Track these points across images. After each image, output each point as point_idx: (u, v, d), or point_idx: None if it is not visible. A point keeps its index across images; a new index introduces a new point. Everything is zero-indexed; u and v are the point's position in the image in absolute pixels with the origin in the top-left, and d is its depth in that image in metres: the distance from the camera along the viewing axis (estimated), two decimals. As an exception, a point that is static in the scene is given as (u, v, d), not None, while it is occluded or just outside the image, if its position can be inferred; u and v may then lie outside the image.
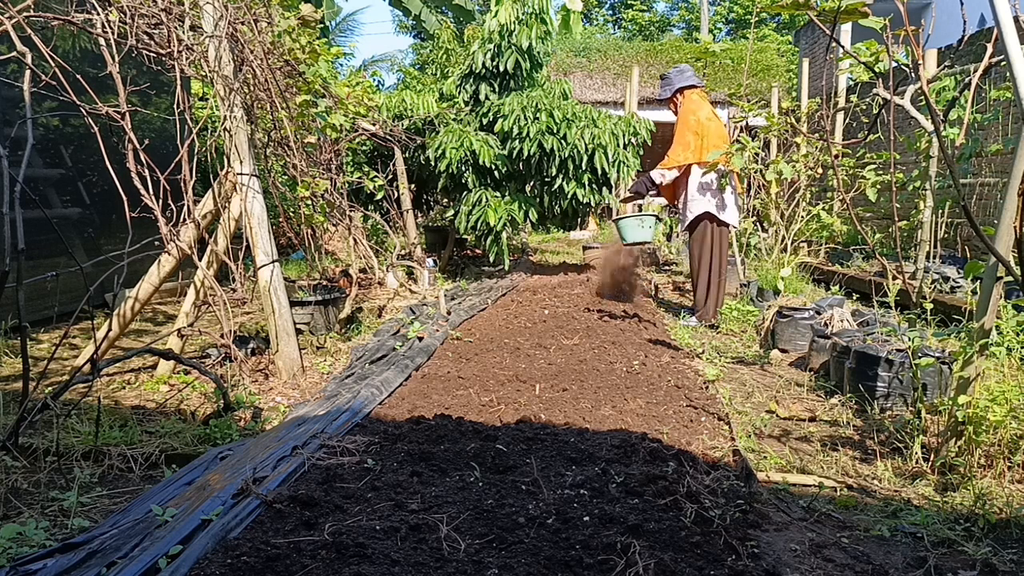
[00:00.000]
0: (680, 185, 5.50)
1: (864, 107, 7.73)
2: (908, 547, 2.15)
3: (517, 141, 6.88)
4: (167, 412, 3.36)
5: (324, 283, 5.48)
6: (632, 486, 2.35)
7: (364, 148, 7.97)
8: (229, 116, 3.85)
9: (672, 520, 2.10)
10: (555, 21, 7.37)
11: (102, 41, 3.26)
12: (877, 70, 2.83)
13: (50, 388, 3.33)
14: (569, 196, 7.19)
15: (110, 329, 3.57)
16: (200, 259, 3.79)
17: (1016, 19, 2.21)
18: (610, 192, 7.55)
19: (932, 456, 2.68)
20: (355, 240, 5.84)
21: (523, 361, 4.18)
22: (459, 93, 7.71)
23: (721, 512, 2.21)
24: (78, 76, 3.12)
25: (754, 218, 7.64)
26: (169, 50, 3.55)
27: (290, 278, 5.71)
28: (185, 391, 3.60)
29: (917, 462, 2.72)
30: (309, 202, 4.82)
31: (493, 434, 2.83)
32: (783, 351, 4.68)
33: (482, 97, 7.46)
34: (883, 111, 6.24)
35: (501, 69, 7.22)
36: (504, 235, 7.16)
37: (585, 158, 6.89)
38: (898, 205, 3.55)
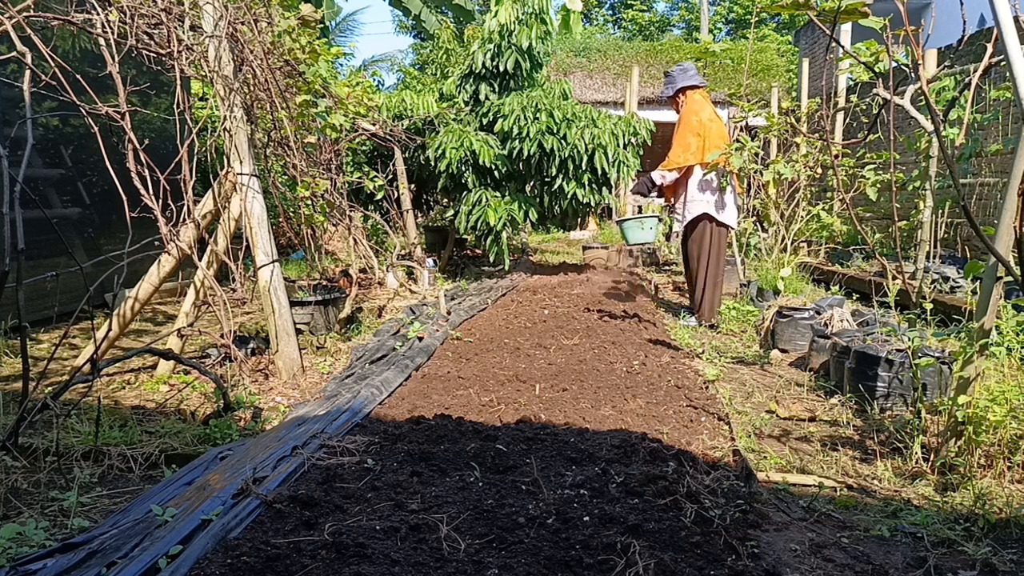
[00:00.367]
0: (680, 185, 5.50)
1: (864, 107, 7.73)
2: (908, 547, 2.15)
3: (517, 141, 6.88)
4: (167, 412, 3.36)
5: (324, 283, 5.48)
6: (632, 486, 2.35)
7: (364, 148, 7.98)
8: (229, 116, 3.85)
9: (672, 520, 2.10)
10: (555, 21, 7.37)
11: (102, 41, 3.26)
12: (877, 70, 2.83)
13: (50, 388, 3.33)
14: (569, 196, 7.19)
15: (110, 329, 3.57)
16: (200, 259, 3.79)
17: (1016, 19, 2.21)
18: (610, 192, 7.56)
19: (932, 456, 2.68)
20: (355, 240, 5.84)
21: (523, 361, 4.18)
22: (459, 93, 7.71)
23: (721, 512, 2.21)
24: (78, 76, 3.12)
25: (754, 218, 7.64)
26: (169, 50, 3.55)
27: (290, 278, 5.71)
28: (185, 391, 3.60)
29: (917, 462, 2.72)
30: (309, 202, 4.82)
31: (493, 434, 2.83)
32: (783, 351, 4.68)
33: (482, 97, 7.46)
34: (883, 111, 6.24)
35: (501, 69, 7.22)
36: (504, 235, 7.16)
37: (585, 158, 6.89)
38: (898, 205, 3.55)
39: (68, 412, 3.06)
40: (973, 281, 4.78)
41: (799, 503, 2.45)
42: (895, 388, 3.34)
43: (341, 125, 5.75)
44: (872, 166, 5.34)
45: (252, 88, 4.23)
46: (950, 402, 2.62)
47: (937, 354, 3.21)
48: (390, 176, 7.26)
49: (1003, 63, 2.20)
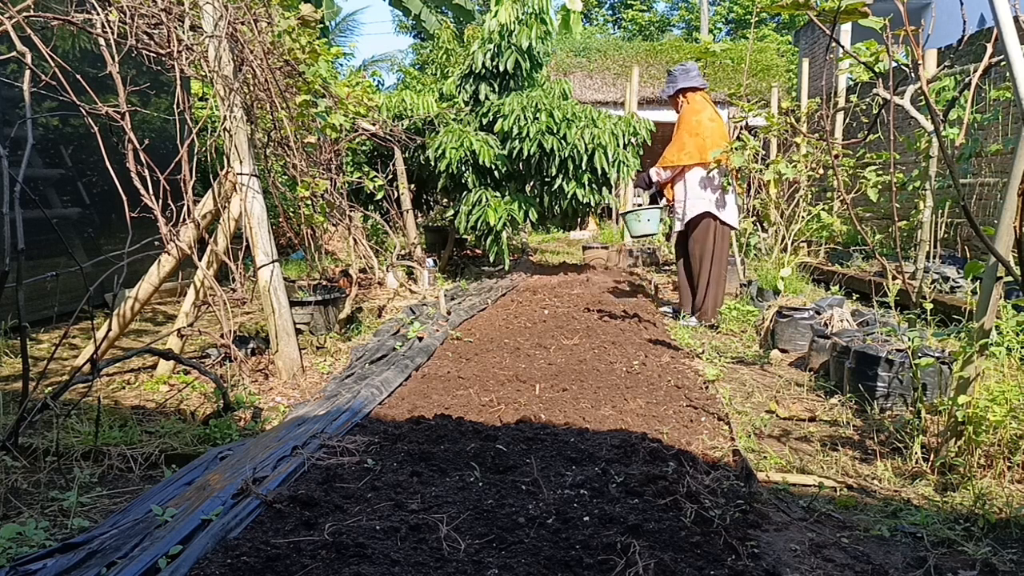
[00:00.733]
0: (678, 185, 5.52)
1: (864, 107, 7.73)
2: (908, 547, 2.15)
3: (517, 141, 6.88)
4: (167, 412, 3.36)
5: (324, 283, 5.48)
6: (632, 486, 2.35)
7: (364, 148, 7.98)
8: (229, 116, 3.85)
9: (672, 520, 2.10)
10: (555, 21, 7.38)
11: (102, 41, 3.26)
12: (877, 70, 2.83)
13: (50, 388, 3.33)
14: (569, 196, 7.20)
15: (110, 329, 3.57)
16: (200, 259, 3.79)
17: (1016, 19, 2.20)
18: (610, 192, 7.56)
19: (932, 456, 2.68)
20: (355, 240, 5.84)
21: (523, 361, 4.18)
22: (459, 93, 7.71)
23: (721, 512, 2.21)
24: (78, 76, 3.12)
25: (754, 218, 7.64)
26: (169, 50, 3.55)
27: (290, 278, 5.71)
28: (185, 391, 3.60)
29: (917, 462, 2.72)
30: (309, 202, 4.82)
31: (493, 434, 2.83)
32: (783, 351, 4.68)
33: (482, 97, 7.46)
34: (883, 111, 6.24)
35: (501, 69, 7.22)
36: (504, 235, 7.16)
37: (585, 158, 6.89)
38: (898, 205, 3.55)
39: (68, 412, 3.06)
40: (973, 281, 4.78)
41: (799, 503, 2.45)
42: (895, 388, 3.34)
43: (341, 125, 5.75)
44: (873, 167, 5.34)
45: (252, 88, 4.23)
46: (950, 402, 2.62)
47: (937, 354, 3.21)
48: (390, 176, 7.26)
49: (1003, 63, 2.20)
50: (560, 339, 4.72)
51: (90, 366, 2.82)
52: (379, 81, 16.59)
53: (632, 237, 5.85)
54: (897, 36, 2.63)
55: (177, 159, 3.42)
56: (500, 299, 6.44)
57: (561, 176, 7.10)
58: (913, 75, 2.63)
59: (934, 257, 6.60)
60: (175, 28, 3.58)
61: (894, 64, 2.68)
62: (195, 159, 3.67)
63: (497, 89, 7.48)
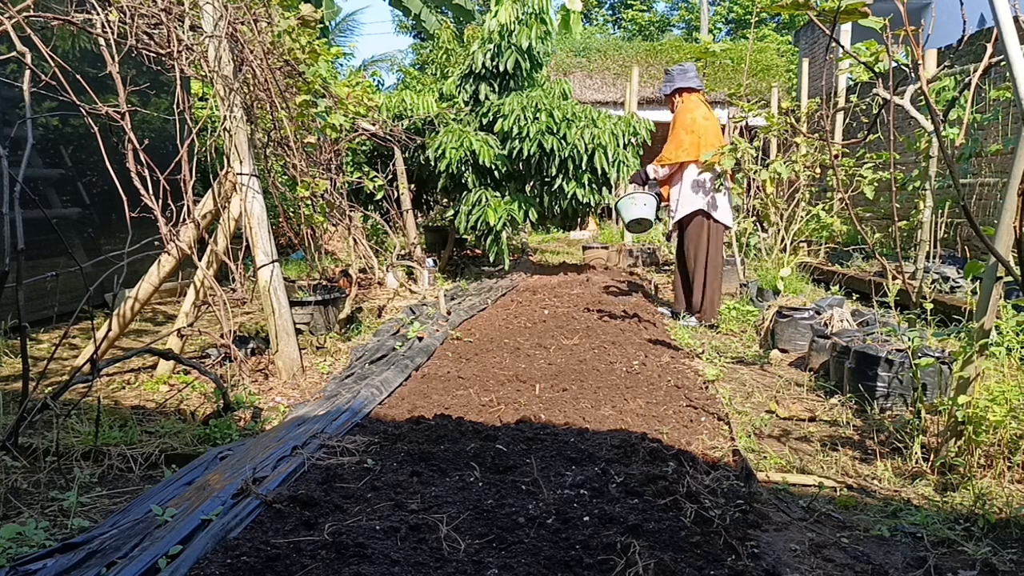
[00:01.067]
0: (674, 183, 5.54)
1: (864, 107, 7.73)
2: (908, 547, 2.15)
3: (517, 141, 6.88)
4: (167, 412, 3.36)
5: (324, 283, 5.48)
6: (632, 486, 2.35)
7: (364, 148, 7.97)
8: (229, 116, 3.85)
9: (672, 520, 2.10)
10: (555, 21, 7.38)
11: (102, 41, 3.26)
12: (877, 70, 2.83)
13: (50, 388, 3.33)
14: (569, 196, 7.19)
15: (110, 329, 3.57)
16: (200, 259, 3.79)
17: (1016, 19, 2.20)
18: (610, 192, 7.56)
19: (932, 456, 2.68)
20: (355, 240, 5.84)
21: (523, 361, 4.18)
22: (459, 93, 7.71)
23: (721, 512, 2.21)
24: (78, 76, 3.12)
25: (754, 218, 7.64)
26: (169, 50, 3.55)
27: (290, 278, 5.71)
28: (185, 391, 3.60)
29: (917, 462, 2.72)
30: (309, 202, 4.82)
31: (493, 434, 2.83)
32: (783, 351, 4.68)
33: (482, 97, 7.46)
34: (883, 111, 6.24)
35: (501, 69, 7.22)
36: (504, 235, 7.16)
37: (585, 158, 6.89)
38: (898, 205, 3.55)
39: (68, 412, 3.06)
40: (973, 281, 4.78)
41: (799, 503, 2.45)
42: (895, 388, 3.34)
43: (341, 125, 5.75)
44: (870, 165, 5.34)
45: (252, 88, 4.23)
46: (950, 402, 2.62)
47: (937, 354, 3.21)
48: (390, 176, 7.26)
49: (1003, 63, 2.20)
50: (560, 339, 4.72)
51: (90, 366, 2.82)
52: (379, 81, 16.59)
53: (626, 226, 5.64)
54: (897, 36, 2.63)
55: (177, 159, 3.42)
56: (500, 299, 6.44)
57: (561, 176, 7.10)
58: (913, 75, 2.63)
59: (934, 257, 6.60)
60: (175, 28, 3.58)
61: (894, 64, 2.68)
62: (195, 159, 3.67)
63: (497, 89, 7.48)
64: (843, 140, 8.56)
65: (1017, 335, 2.97)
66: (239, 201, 3.91)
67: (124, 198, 3.07)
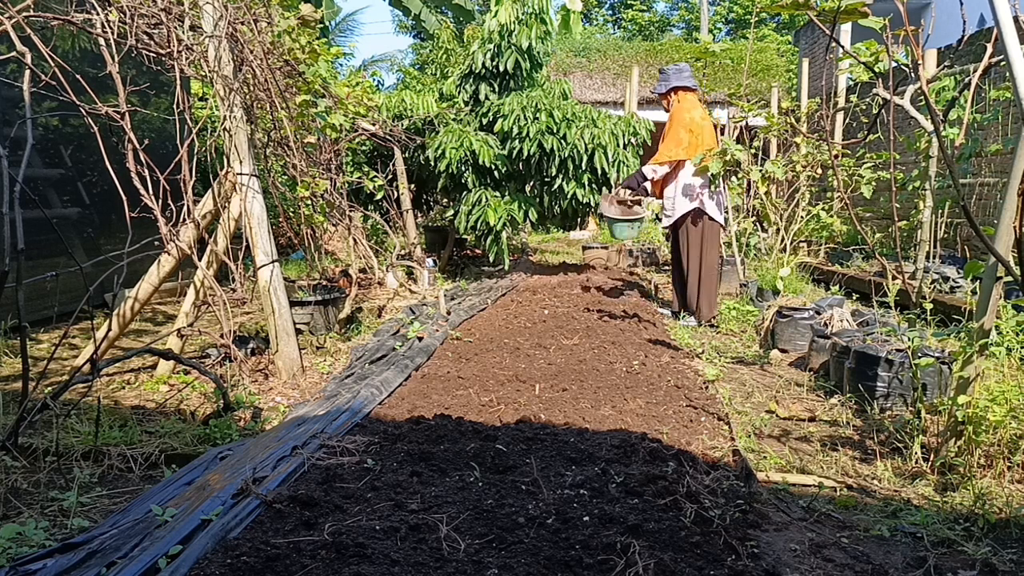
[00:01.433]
0: (668, 182, 5.54)
1: (864, 107, 7.73)
2: (908, 547, 2.15)
3: (517, 141, 6.88)
4: (167, 412, 3.36)
5: (324, 283, 5.48)
6: (632, 486, 2.35)
7: (364, 148, 7.97)
8: (229, 116, 3.85)
9: (672, 520, 2.10)
10: (555, 21, 7.38)
11: (102, 41, 3.26)
12: (877, 70, 2.83)
13: (50, 388, 3.33)
14: (569, 196, 7.19)
15: (110, 329, 3.57)
16: (200, 259, 3.79)
17: (1016, 19, 2.20)
18: (610, 192, 7.55)
19: (932, 456, 2.68)
20: (355, 240, 5.84)
21: (523, 361, 4.18)
22: (459, 93, 7.71)
23: (721, 512, 2.21)
24: (78, 76, 3.12)
25: (754, 218, 7.64)
26: (169, 50, 3.55)
27: (290, 278, 5.71)
28: (185, 391, 3.60)
29: (917, 462, 2.72)
30: (309, 202, 4.82)
31: (493, 434, 2.83)
32: (783, 351, 4.68)
33: (482, 97, 7.46)
34: (883, 111, 6.24)
35: (501, 69, 7.22)
36: (504, 235, 7.16)
37: (585, 158, 6.89)
38: (898, 205, 3.55)
39: (68, 412, 3.06)
40: (973, 281, 4.78)
41: (799, 503, 2.45)
42: (895, 388, 3.34)
43: (341, 125, 5.75)
44: (869, 164, 5.34)
45: (252, 88, 4.23)
46: (950, 402, 2.62)
47: (937, 354, 3.21)
48: (390, 176, 7.26)
49: (1003, 63, 2.20)
50: (560, 339, 4.72)
51: (90, 366, 2.82)
52: (379, 81, 16.58)
53: (613, 238, 5.88)
54: (897, 36, 2.63)
55: (177, 159, 3.42)
56: (500, 299, 6.44)
57: (561, 176, 7.10)
58: (913, 75, 2.63)
59: (934, 257, 6.60)
60: (175, 28, 3.58)
61: (894, 64, 2.68)
62: (195, 159, 3.67)
63: (497, 89, 7.48)
64: (843, 140, 8.57)
65: (1017, 335, 2.97)
66: (239, 201, 3.91)
67: (124, 198, 3.07)
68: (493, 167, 7.06)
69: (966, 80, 2.93)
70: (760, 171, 5.37)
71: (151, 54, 3.53)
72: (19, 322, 2.47)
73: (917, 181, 5.41)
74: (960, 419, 2.54)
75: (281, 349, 3.94)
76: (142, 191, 3.22)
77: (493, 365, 4.08)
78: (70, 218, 5.44)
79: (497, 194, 7.26)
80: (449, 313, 5.48)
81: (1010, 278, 2.34)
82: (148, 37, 3.53)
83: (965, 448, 2.55)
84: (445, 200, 9.16)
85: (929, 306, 3.23)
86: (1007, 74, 2.17)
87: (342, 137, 6.05)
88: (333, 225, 5.56)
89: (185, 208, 3.60)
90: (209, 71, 3.80)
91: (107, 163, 3.14)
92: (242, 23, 4.07)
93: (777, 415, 3.44)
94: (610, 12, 34.08)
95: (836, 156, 5.84)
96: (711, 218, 5.38)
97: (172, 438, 2.97)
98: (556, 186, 7.16)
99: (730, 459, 2.75)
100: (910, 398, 3.19)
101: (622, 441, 2.80)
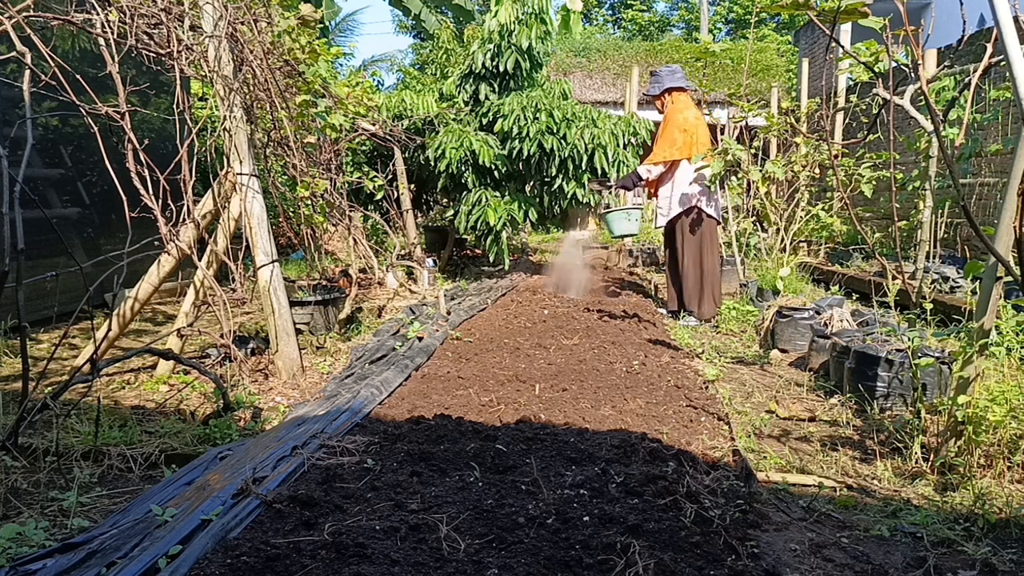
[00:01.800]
0: (663, 182, 5.56)
1: (864, 107, 7.73)
2: (908, 547, 2.15)
3: (517, 141, 6.88)
4: (167, 412, 3.36)
5: (324, 283, 5.48)
6: (632, 486, 2.35)
7: (364, 148, 7.97)
8: (229, 116, 3.85)
9: (672, 520, 2.10)
10: (555, 21, 7.37)
11: (102, 41, 3.26)
12: (877, 70, 2.83)
13: (50, 388, 3.33)
14: (569, 196, 7.20)
15: (110, 329, 3.57)
16: (200, 259, 3.79)
17: (1016, 19, 2.20)
18: (610, 192, 7.56)
19: (932, 456, 2.68)
20: (355, 240, 5.84)
21: (523, 361, 4.18)
22: (459, 93, 7.71)
23: (721, 512, 2.21)
24: (78, 76, 3.12)
25: (754, 218, 7.64)
26: (169, 50, 3.55)
27: (290, 278, 5.70)
28: (185, 391, 3.60)
29: (917, 462, 2.72)
30: (309, 202, 4.82)
31: (493, 434, 2.83)
32: (783, 351, 4.68)
33: (482, 97, 7.46)
34: (883, 111, 6.24)
35: (501, 69, 7.22)
36: (504, 235, 7.16)
37: (585, 158, 6.89)
38: (898, 205, 3.55)
39: (68, 412, 3.06)
40: (973, 281, 4.78)
41: (799, 503, 2.45)
42: (895, 388, 3.34)
43: (341, 125, 5.75)
44: (869, 164, 5.34)
45: (252, 88, 4.23)
46: (950, 402, 2.62)
47: (937, 354, 3.21)
48: (390, 176, 7.26)
49: (1003, 63, 2.20)
50: (560, 339, 4.72)
51: (90, 366, 2.82)
52: (379, 81, 16.58)
53: (613, 237, 5.92)
54: (897, 36, 2.63)
55: (177, 159, 3.42)
56: (500, 299, 6.44)
57: (561, 176, 7.10)
58: (913, 75, 2.63)
59: (934, 257, 6.60)
60: (175, 28, 3.58)
61: (894, 64, 2.68)
62: (195, 159, 3.67)
63: (497, 89, 7.48)
64: (843, 140, 8.57)
65: (1017, 335, 2.97)
66: (239, 201, 3.91)
67: (124, 198, 3.07)
68: (493, 167, 7.06)
69: (966, 80, 2.93)
70: (760, 171, 5.38)
71: (151, 54, 3.53)
72: (19, 322, 2.47)
73: (917, 181, 5.41)
74: (960, 419, 2.54)
75: (281, 349, 3.94)
76: (142, 191, 3.22)
77: (493, 365, 4.08)
78: (70, 218, 5.44)
79: (497, 194, 7.26)
80: (449, 313, 5.48)
81: (1010, 278, 2.34)
82: (148, 37, 3.53)
83: (965, 448, 2.55)
84: (445, 200, 9.16)
85: (929, 306, 3.23)
86: (1007, 74, 2.17)
87: (342, 137, 6.05)
88: (333, 225, 5.56)
89: (185, 208, 3.60)
90: (209, 71, 3.80)
91: (107, 163, 3.14)
92: (242, 23, 4.07)
93: (777, 415, 3.44)
94: (610, 12, 34.09)
95: (836, 156, 5.85)
96: (708, 215, 5.40)
97: (172, 438, 2.97)
98: (556, 186, 7.17)
99: (730, 459, 2.75)
100: (910, 398, 3.19)
101: (622, 441, 2.80)
